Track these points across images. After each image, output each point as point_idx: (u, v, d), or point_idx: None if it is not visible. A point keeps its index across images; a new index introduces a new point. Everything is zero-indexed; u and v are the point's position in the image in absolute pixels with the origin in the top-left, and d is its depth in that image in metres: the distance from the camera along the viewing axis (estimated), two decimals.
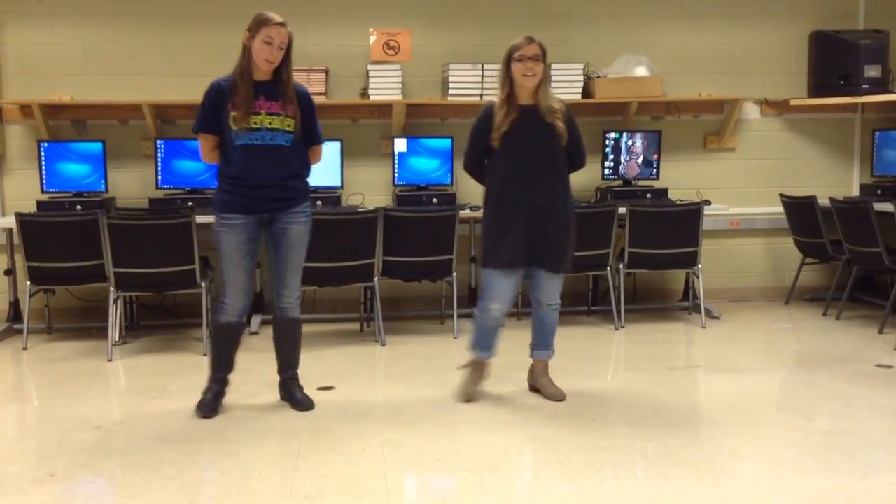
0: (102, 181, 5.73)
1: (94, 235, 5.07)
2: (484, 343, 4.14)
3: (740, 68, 6.50)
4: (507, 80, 3.95)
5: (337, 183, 5.90)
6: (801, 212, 6.18)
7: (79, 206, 5.48)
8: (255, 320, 5.70)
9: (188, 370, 4.77)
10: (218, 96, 3.76)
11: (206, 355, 4.60)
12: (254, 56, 3.72)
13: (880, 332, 5.48)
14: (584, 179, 6.02)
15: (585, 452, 3.43)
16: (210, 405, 3.94)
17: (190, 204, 5.49)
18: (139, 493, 3.08)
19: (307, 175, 4.01)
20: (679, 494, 3.02)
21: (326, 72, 5.93)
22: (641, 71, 6.10)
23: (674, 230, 5.70)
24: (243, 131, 3.73)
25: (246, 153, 3.76)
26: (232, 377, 4.03)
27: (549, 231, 3.96)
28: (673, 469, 3.25)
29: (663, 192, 6.11)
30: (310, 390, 4.21)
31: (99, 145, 5.73)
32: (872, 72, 6.19)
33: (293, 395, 4.06)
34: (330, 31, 6.03)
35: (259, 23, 3.72)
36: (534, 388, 4.25)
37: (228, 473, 3.28)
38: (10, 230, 5.51)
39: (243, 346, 5.30)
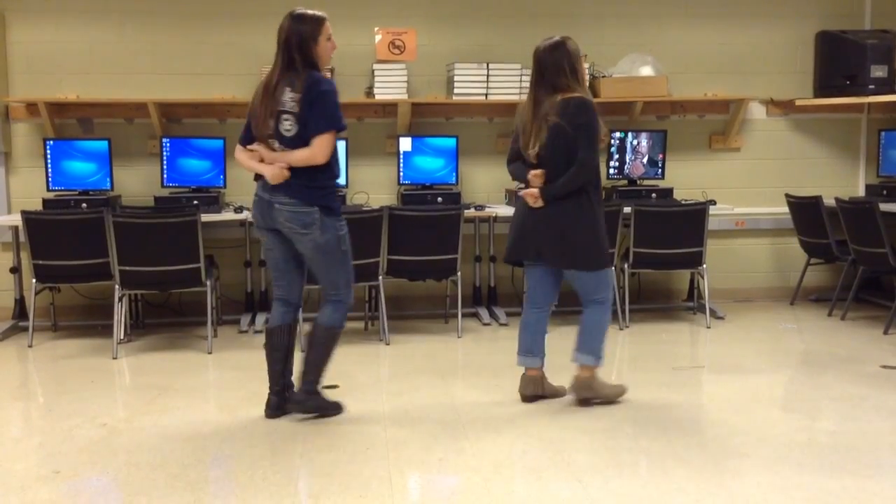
0: (108, 179, 5.74)
1: (99, 233, 5.07)
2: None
3: (746, 68, 6.49)
4: (585, 78, 3.85)
5: (342, 182, 5.90)
6: (806, 212, 6.17)
7: (84, 205, 5.49)
8: (256, 318, 5.70)
9: (193, 368, 4.78)
10: None
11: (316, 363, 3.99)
12: (322, 57, 3.75)
13: (885, 332, 5.46)
14: None
15: (590, 452, 3.42)
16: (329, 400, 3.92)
17: (195, 202, 5.50)
18: (144, 490, 3.08)
19: None
20: (684, 495, 3.02)
21: (332, 71, 5.92)
22: (647, 70, 6.10)
23: (679, 230, 5.69)
24: None
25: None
26: (235, 375, 4.02)
27: None
28: (677, 469, 3.25)
29: (668, 192, 6.10)
30: None
31: (105, 143, 5.74)
32: (878, 72, 6.18)
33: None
34: (335, 31, 5.90)
35: (315, 24, 3.72)
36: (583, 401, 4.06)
37: (233, 471, 3.29)
38: (16, 228, 5.53)
39: (245, 345, 5.35)
